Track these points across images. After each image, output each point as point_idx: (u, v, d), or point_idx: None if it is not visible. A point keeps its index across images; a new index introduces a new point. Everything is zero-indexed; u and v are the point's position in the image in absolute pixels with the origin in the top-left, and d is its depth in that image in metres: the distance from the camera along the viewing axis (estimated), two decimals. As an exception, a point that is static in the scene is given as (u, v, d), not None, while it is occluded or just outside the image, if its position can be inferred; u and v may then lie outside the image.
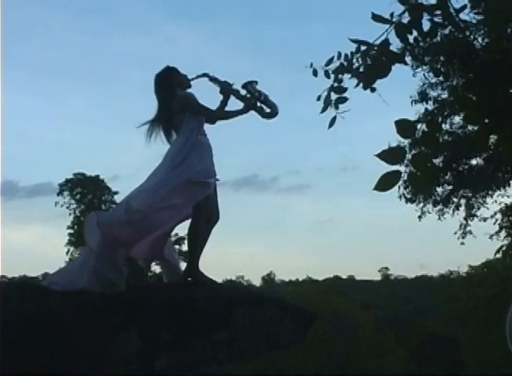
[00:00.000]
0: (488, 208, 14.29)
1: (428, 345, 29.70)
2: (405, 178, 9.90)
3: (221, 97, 4.60)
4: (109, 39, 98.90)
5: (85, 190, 29.41)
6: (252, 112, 4.55)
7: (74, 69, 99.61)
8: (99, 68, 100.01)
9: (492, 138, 11.37)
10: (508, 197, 13.91)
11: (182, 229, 4.52)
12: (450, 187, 13.81)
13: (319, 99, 3.02)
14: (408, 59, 3.12)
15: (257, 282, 64.43)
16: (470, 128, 12.27)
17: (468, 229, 14.37)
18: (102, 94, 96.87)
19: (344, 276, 64.45)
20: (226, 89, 4.57)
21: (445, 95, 11.88)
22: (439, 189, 13.84)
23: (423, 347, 29.72)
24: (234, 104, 4.57)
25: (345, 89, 2.97)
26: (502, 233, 15.51)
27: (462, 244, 14.41)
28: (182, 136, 4.33)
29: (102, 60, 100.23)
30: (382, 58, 2.68)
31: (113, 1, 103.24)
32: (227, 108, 4.61)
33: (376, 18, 2.64)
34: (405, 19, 2.64)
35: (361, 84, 2.82)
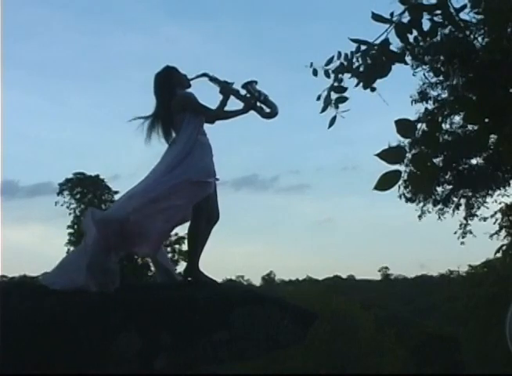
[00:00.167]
0: (488, 208, 14.32)
1: (428, 345, 29.69)
2: (405, 177, 9.89)
3: (220, 97, 4.60)
4: (110, 39, 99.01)
5: (85, 190, 29.40)
6: (252, 112, 4.55)
7: (74, 69, 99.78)
8: (99, 68, 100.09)
9: (492, 138, 11.38)
10: (508, 196, 13.94)
11: (182, 229, 4.53)
12: (450, 187, 13.82)
13: (319, 98, 3.02)
14: (408, 58, 3.12)
15: (257, 282, 64.55)
16: (470, 128, 12.28)
17: (468, 228, 14.40)
18: (102, 94, 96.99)
19: (344, 276, 64.59)
20: (226, 89, 4.57)
21: (445, 95, 11.90)
22: (439, 189, 13.86)
23: (423, 347, 29.71)
24: (234, 104, 4.57)
25: (345, 89, 2.97)
26: (503, 233, 15.53)
27: (462, 243, 14.43)
28: (183, 136, 4.33)
29: (102, 60, 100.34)
30: (382, 58, 2.68)
31: (113, 1, 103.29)
32: (227, 108, 4.61)
33: (376, 18, 2.64)
34: (405, 18, 2.64)
35: (361, 84, 2.82)
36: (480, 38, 8.64)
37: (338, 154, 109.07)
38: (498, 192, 13.70)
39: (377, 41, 2.69)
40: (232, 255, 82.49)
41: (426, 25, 2.70)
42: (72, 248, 27.51)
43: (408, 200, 13.83)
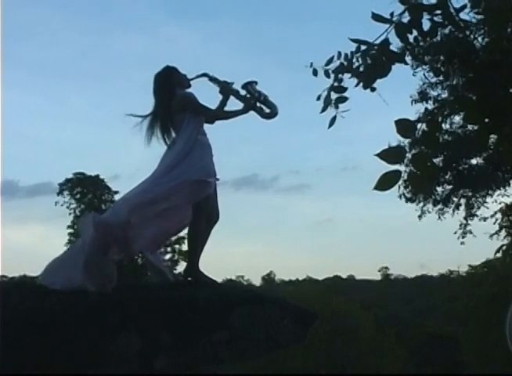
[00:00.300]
0: (488, 208, 14.32)
1: (428, 345, 29.69)
2: (405, 177, 9.89)
3: (220, 97, 4.60)
4: (110, 39, 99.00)
5: (85, 190, 29.40)
6: (252, 112, 4.55)
7: (74, 69, 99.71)
8: (99, 68, 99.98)
9: (492, 138, 11.38)
10: (508, 196, 13.94)
11: (182, 229, 4.52)
12: (450, 187, 13.82)
13: (319, 98, 3.03)
14: (408, 58, 3.12)
15: (257, 282, 64.55)
16: (470, 128, 12.29)
17: (468, 228, 14.40)
18: (102, 94, 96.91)
19: (344, 276, 64.56)
20: (226, 89, 4.57)
21: (445, 95, 11.91)
22: (439, 189, 13.86)
23: (423, 347, 29.72)
24: (234, 104, 4.57)
25: (345, 89, 2.97)
26: (503, 233, 15.53)
27: (462, 243, 14.44)
28: (183, 136, 4.33)
29: (102, 60, 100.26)
30: (382, 58, 2.68)
31: (113, 1, 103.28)
32: (227, 108, 4.61)
33: (376, 18, 2.65)
34: (405, 18, 2.65)
35: (361, 84, 2.82)
36: (480, 38, 8.65)
37: (338, 154, 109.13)
38: (498, 192, 13.71)
39: (377, 41, 2.70)
40: (232, 255, 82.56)
41: (426, 25, 2.71)
42: (72, 248, 27.49)
43: (408, 200, 13.84)
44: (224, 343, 3.78)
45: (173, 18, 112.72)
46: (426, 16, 2.68)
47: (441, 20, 2.75)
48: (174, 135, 4.45)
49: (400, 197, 13.70)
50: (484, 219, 14.56)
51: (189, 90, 4.55)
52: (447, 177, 13.53)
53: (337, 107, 2.94)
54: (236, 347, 3.83)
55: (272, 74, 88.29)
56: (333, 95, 2.96)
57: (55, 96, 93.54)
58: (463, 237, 14.37)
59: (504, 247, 15.71)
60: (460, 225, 14.36)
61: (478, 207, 14.19)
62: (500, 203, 14.35)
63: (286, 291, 38.69)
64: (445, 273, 51.02)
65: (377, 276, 66.52)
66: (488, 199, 14.01)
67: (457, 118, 12.32)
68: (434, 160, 10.72)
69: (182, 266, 27.51)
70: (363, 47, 2.80)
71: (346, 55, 2.95)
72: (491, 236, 15.53)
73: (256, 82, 4.55)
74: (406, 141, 8.56)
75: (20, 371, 3.42)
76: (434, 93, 12.36)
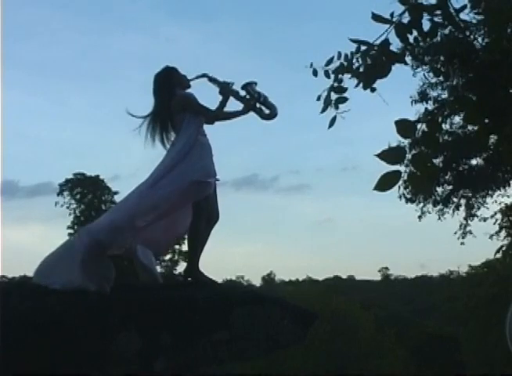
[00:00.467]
0: (488, 208, 14.31)
1: (428, 345, 29.69)
2: (405, 178, 9.89)
3: (220, 98, 4.60)
4: (110, 39, 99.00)
5: (85, 190, 29.41)
6: (251, 113, 4.55)
7: (74, 69, 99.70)
8: (99, 68, 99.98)
9: (492, 138, 11.38)
10: (508, 196, 13.93)
11: (182, 229, 4.52)
12: (450, 187, 13.82)
13: (319, 99, 3.03)
14: (408, 59, 3.13)
15: (257, 282, 64.52)
16: (470, 128, 12.28)
17: (468, 229, 14.39)
18: (102, 94, 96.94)
19: (344, 276, 64.56)
20: (226, 90, 4.57)
21: (445, 95, 11.90)
22: (439, 189, 13.85)
23: (423, 347, 29.71)
24: (233, 105, 4.57)
25: (345, 89, 2.97)
26: (503, 233, 15.52)
27: (462, 244, 14.43)
28: (183, 136, 4.33)
29: (102, 60, 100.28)
30: (382, 58, 2.68)
31: (113, 1, 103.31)
32: (226, 109, 4.61)
33: (376, 18, 2.64)
34: (405, 19, 2.64)
35: (361, 84, 2.82)
36: (480, 38, 8.65)
37: (338, 154, 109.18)
38: (498, 192, 13.70)
39: (377, 42, 2.69)
40: (232, 255, 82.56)
41: (426, 25, 2.71)
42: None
43: (408, 200, 13.82)
44: (224, 343, 3.78)
45: (173, 18, 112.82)
46: (426, 17, 2.68)
47: (441, 20, 2.75)
48: (174, 135, 4.45)
49: (400, 197, 13.69)
50: (484, 220, 14.56)
51: (188, 90, 4.55)
52: (447, 177, 13.52)
53: (337, 108, 2.94)
54: (236, 347, 3.84)
55: (272, 74, 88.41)
56: (333, 96, 2.96)
57: (55, 96, 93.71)
58: (463, 238, 14.38)
59: (504, 248, 15.70)
60: (460, 225, 14.36)
61: (478, 208, 14.19)
62: (500, 203, 14.34)
63: (286, 291, 38.69)
64: (445, 273, 51.11)
65: (377, 277, 66.60)
66: (488, 199, 14.01)
67: (457, 118, 12.33)
68: (434, 161, 10.75)
69: (182, 266, 27.54)
70: (363, 47, 2.80)
71: (346, 55, 2.95)
72: (491, 236, 15.52)
73: (256, 83, 4.55)
74: (406, 141, 8.55)
75: (20, 371, 3.42)
76: (434, 93, 12.36)
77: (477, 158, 13.35)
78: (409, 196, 13.72)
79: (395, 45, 2.73)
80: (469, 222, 14.32)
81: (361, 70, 2.84)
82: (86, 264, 3.84)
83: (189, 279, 4.33)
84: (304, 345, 19.82)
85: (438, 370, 27.65)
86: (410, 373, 27.52)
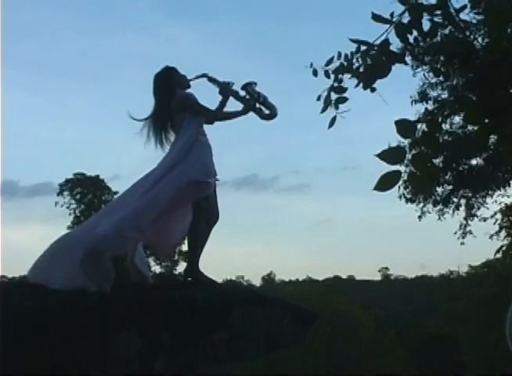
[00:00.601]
0: (488, 208, 14.30)
1: (428, 345, 29.69)
2: (405, 178, 9.89)
3: (220, 98, 4.60)
4: (110, 39, 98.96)
5: (85, 190, 29.42)
6: (251, 113, 4.55)
7: (74, 69, 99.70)
8: (99, 68, 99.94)
9: (492, 138, 11.38)
10: (508, 196, 13.93)
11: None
12: (450, 187, 13.82)
13: (319, 99, 3.03)
14: (408, 59, 3.14)
15: (257, 282, 64.54)
16: (470, 128, 12.28)
17: (468, 229, 14.39)
18: (102, 94, 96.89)
19: (344, 276, 64.58)
20: (225, 90, 4.57)
21: (445, 95, 11.89)
22: (439, 189, 13.85)
23: (423, 347, 29.72)
24: (233, 105, 4.57)
25: (345, 89, 2.97)
26: (503, 233, 15.51)
27: (462, 244, 14.43)
28: (183, 136, 4.33)
29: (102, 60, 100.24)
30: (382, 58, 2.68)
31: (113, 1, 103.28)
32: (226, 109, 4.61)
33: (376, 18, 2.64)
34: (405, 19, 2.64)
35: (361, 84, 2.82)
36: (480, 38, 8.65)
37: (338, 154, 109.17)
38: (498, 192, 13.70)
39: (377, 42, 2.69)
40: (232, 255, 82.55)
41: (426, 25, 2.71)
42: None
43: (408, 200, 13.82)
44: (224, 343, 3.78)
45: (173, 18, 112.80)
46: (426, 17, 2.68)
47: (441, 20, 2.75)
48: (174, 135, 4.45)
49: (400, 197, 13.69)
50: (484, 220, 14.56)
51: (188, 90, 4.55)
52: (447, 177, 13.52)
53: (337, 108, 2.94)
54: (236, 347, 3.84)
55: (272, 74, 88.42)
56: (333, 96, 2.97)
57: (55, 96, 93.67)
58: (463, 238, 14.38)
59: (504, 248, 15.69)
60: (460, 225, 14.36)
61: (478, 208, 14.19)
62: (500, 203, 14.34)
63: (286, 291, 38.71)
64: (445, 273, 51.12)
65: (377, 277, 66.61)
66: (488, 199, 14.01)
67: (457, 118, 12.32)
68: (434, 161, 10.74)
69: (182, 266, 27.53)
70: (363, 47, 2.80)
71: (346, 55, 2.95)
72: (491, 236, 15.51)
73: (255, 83, 4.56)
74: (406, 141, 8.56)
75: (20, 371, 3.42)
76: (434, 93, 12.35)
77: (477, 158, 13.35)
78: (409, 196, 13.72)
79: (395, 45, 2.73)
80: (469, 222, 14.33)
81: (361, 70, 2.84)
82: (86, 264, 3.84)
83: (189, 279, 4.33)
84: (304, 345, 19.82)
85: (438, 370, 27.67)
86: (410, 373, 27.52)
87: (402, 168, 2.23)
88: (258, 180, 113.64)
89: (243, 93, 4.54)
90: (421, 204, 14.00)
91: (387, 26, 2.63)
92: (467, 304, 24.20)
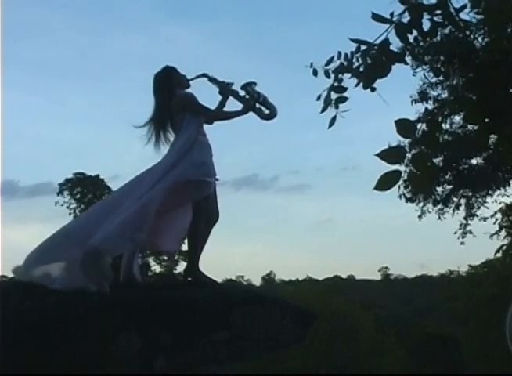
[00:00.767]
0: (488, 208, 14.32)
1: (428, 345, 29.70)
2: (405, 177, 9.89)
3: (220, 98, 4.60)
4: (110, 39, 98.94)
5: (85, 190, 29.43)
6: (251, 113, 4.55)
7: (74, 69, 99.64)
8: (99, 68, 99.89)
9: (492, 138, 11.38)
10: (508, 196, 13.94)
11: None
12: (450, 187, 13.83)
13: (319, 98, 3.03)
14: (408, 58, 3.13)
15: (257, 282, 64.54)
16: (470, 128, 12.29)
17: (468, 228, 14.40)
18: (102, 94, 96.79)
19: (344, 276, 64.59)
20: (225, 90, 4.57)
21: (445, 95, 11.91)
22: (439, 189, 13.86)
23: (423, 347, 29.72)
24: (233, 105, 4.57)
25: (345, 89, 2.97)
26: (503, 233, 15.51)
27: (462, 243, 14.44)
28: (182, 136, 4.32)
29: (102, 60, 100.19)
30: (382, 58, 2.68)
31: (113, 1, 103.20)
32: (226, 109, 4.61)
33: (376, 18, 2.65)
34: (405, 18, 2.65)
35: (361, 84, 2.82)
36: (480, 38, 8.65)
37: (338, 154, 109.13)
38: (498, 192, 13.71)
39: (377, 41, 2.70)
40: (232, 255, 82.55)
41: (426, 25, 2.71)
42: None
43: (408, 200, 13.84)
44: (224, 343, 3.78)
45: (173, 18, 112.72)
46: (426, 16, 2.68)
47: (441, 20, 2.75)
48: (173, 135, 4.45)
49: (400, 197, 13.71)
50: (484, 219, 14.57)
51: (188, 90, 4.55)
52: (447, 177, 13.53)
53: (337, 107, 2.94)
54: (236, 347, 3.84)
55: (272, 74, 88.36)
56: (333, 95, 2.97)
57: (55, 96, 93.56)
58: (463, 237, 14.39)
59: (504, 247, 15.69)
60: (460, 225, 14.37)
61: (478, 208, 14.21)
62: (500, 203, 14.35)
63: (286, 291, 38.70)
64: (445, 273, 51.06)
65: (377, 276, 66.62)
66: (488, 199, 14.03)
67: (457, 118, 12.33)
68: (434, 160, 10.71)
69: (182, 266, 27.53)
70: (363, 47, 2.80)
71: (346, 55, 2.95)
72: (491, 236, 15.52)
73: (255, 83, 4.55)
74: (406, 141, 8.56)
75: (20, 371, 3.41)
76: (434, 93, 12.37)
77: (477, 158, 13.37)
78: (409, 195, 13.74)
79: (395, 44, 2.74)
80: (469, 221, 14.34)
81: (361, 69, 2.84)
82: (86, 264, 3.83)
83: (189, 279, 4.33)
84: (304, 345, 19.82)
85: (438, 370, 27.66)
86: (410, 373, 27.50)
87: (402, 168, 2.23)
88: (258, 180, 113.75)
89: (242, 93, 4.54)
90: (421, 204, 14.02)
91: (387, 26, 2.63)
92: (467, 304, 24.19)
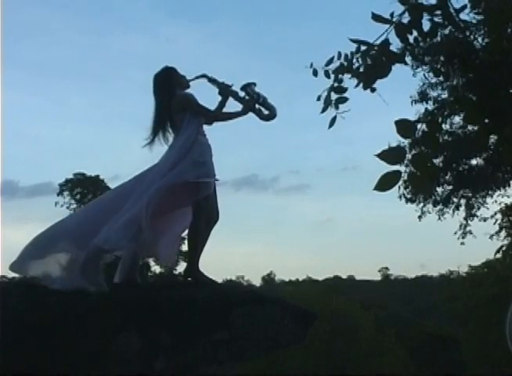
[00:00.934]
0: (488, 208, 14.31)
1: (428, 345, 29.70)
2: (405, 178, 9.89)
3: (219, 98, 4.60)
4: (110, 39, 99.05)
5: (85, 190, 29.46)
6: (251, 113, 4.55)
7: (74, 69, 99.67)
8: (99, 68, 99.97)
9: (492, 138, 11.39)
10: (508, 197, 13.93)
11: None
12: (450, 187, 13.82)
13: (319, 99, 3.03)
14: (408, 59, 3.14)
15: (257, 282, 64.55)
16: (470, 128, 12.29)
17: (468, 229, 14.39)
18: (102, 94, 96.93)
19: (344, 276, 64.61)
20: (225, 90, 4.57)
21: (445, 95, 11.90)
22: (439, 189, 13.85)
23: (423, 347, 29.72)
24: (233, 105, 4.57)
25: (345, 89, 2.97)
26: (503, 233, 15.50)
27: (462, 244, 14.43)
28: (182, 136, 4.32)
29: (102, 60, 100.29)
30: (382, 58, 2.68)
31: (113, 1, 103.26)
32: (225, 109, 4.61)
33: (376, 18, 2.65)
34: (405, 19, 2.65)
35: (361, 85, 2.82)
36: (480, 39, 8.65)
37: (338, 154, 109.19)
38: (498, 192, 13.70)
39: (377, 42, 2.70)
40: (232, 255, 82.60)
41: (426, 25, 2.71)
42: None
43: (408, 200, 13.83)
44: (224, 343, 3.78)
45: (173, 18, 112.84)
46: (426, 17, 2.68)
47: (441, 21, 2.75)
48: (173, 135, 4.45)
49: (400, 197, 13.69)
50: (484, 220, 14.56)
51: (188, 91, 4.55)
52: (447, 177, 13.52)
53: (337, 108, 2.94)
54: (236, 347, 3.84)
55: (272, 74, 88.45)
56: (333, 96, 2.97)
57: (55, 96, 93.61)
58: (463, 238, 14.38)
59: (504, 248, 15.68)
60: (460, 225, 14.36)
61: (478, 208, 14.19)
62: (500, 203, 14.33)
63: (286, 291, 38.69)
64: (445, 273, 51.14)
65: (377, 277, 66.64)
66: (488, 199, 14.01)
67: (457, 118, 12.33)
68: (434, 161, 10.74)
69: (182, 266, 27.53)
70: (363, 47, 2.80)
71: (346, 55, 2.95)
72: (491, 236, 15.50)
73: (255, 84, 4.56)
74: (406, 141, 8.54)
75: (20, 371, 3.41)
76: (434, 93, 12.36)
77: (477, 158, 13.36)
78: (409, 196, 13.72)
79: (395, 45, 2.74)
80: (469, 222, 14.33)
81: (361, 70, 2.84)
82: (86, 265, 3.84)
83: (189, 279, 4.33)
84: (304, 345, 19.82)
85: (438, 370, 27.65)
86: (410, 373, 27.51)
87: (402, 168, 2.24)
88: (258, 180, 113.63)
89: (242, 94, 4.54)
90: (421, 204, 14.01)
91: (387, 26, 2.63)
92: (467, 304, 24.21)
